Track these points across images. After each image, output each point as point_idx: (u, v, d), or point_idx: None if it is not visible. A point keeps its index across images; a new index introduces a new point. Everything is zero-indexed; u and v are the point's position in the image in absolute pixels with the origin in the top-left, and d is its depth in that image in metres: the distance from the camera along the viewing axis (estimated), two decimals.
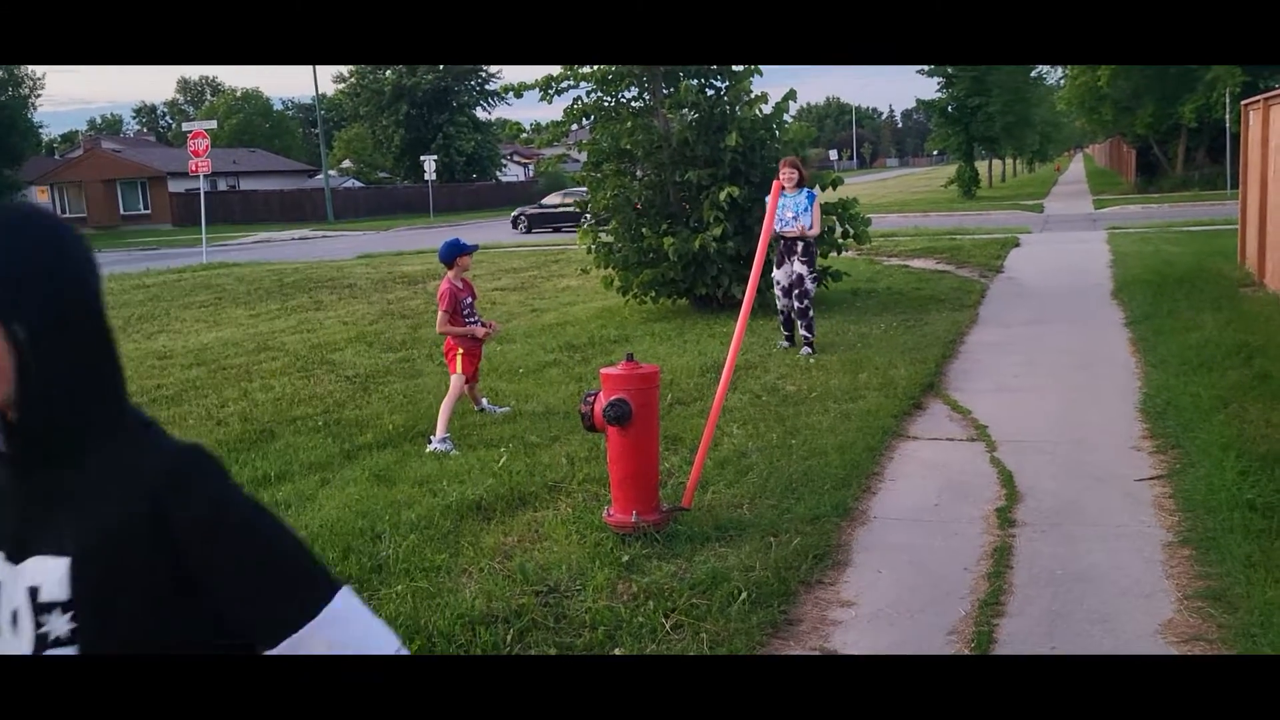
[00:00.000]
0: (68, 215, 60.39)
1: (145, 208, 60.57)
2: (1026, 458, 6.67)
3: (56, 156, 76.91)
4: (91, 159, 62.27)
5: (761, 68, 13.22)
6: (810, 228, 10.03)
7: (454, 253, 8.01)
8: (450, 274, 7.99)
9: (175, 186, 58.77)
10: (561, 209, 36.36)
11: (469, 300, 8.05)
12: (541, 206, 40.16)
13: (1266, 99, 12.70)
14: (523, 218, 40.24)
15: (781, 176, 9.80)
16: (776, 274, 10.31)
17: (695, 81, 12.82)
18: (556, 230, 36.74)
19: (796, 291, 10.15)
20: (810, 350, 9.93)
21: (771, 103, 13.09)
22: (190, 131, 29.77)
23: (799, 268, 10.12)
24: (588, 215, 14.11)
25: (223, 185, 63.01)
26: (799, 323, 10.17)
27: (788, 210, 9.92)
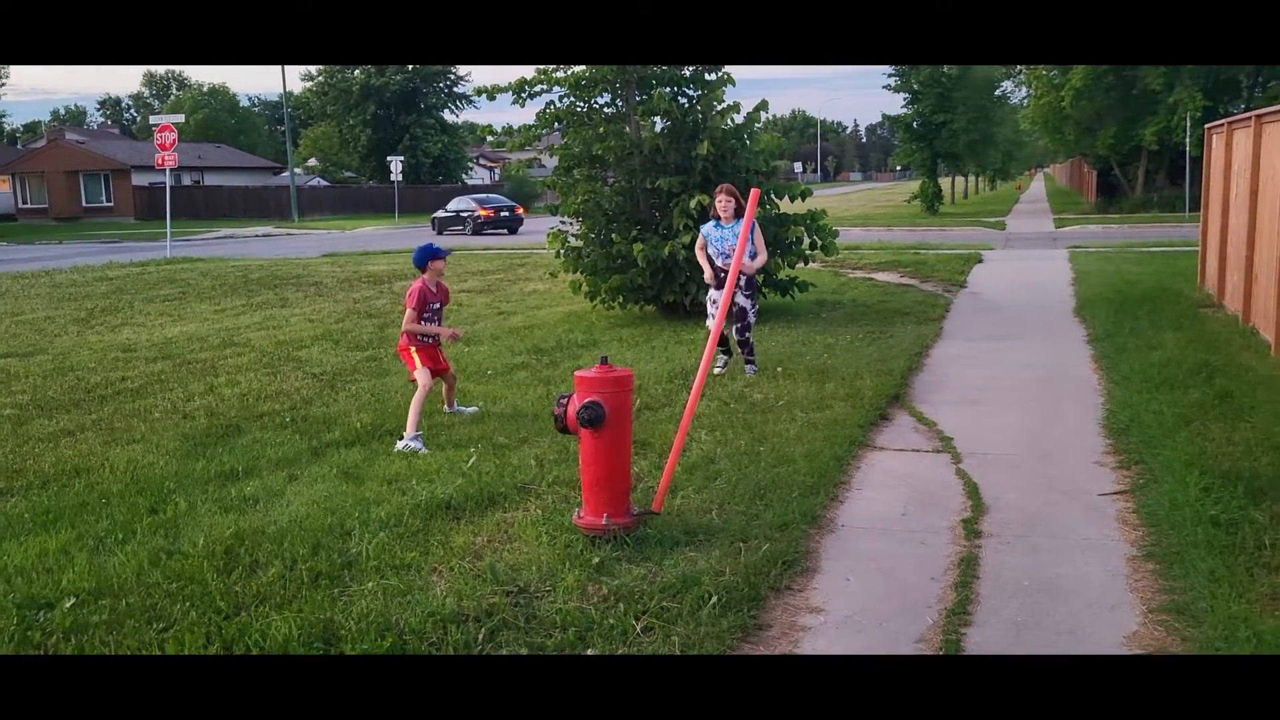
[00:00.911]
0: (29, 205, 59.75)
1: (108, 200, 59.90)
2: (992, 470, 6.75)
3: (19, 146, 75.87)
4: (55, 150, 61.48)
5: (734, 78, 13.29)
6: (755, 257, 9.50)
7: (426, 257, 8.07)
8: (425, 276, 8.02)
9: (139, 180, 58.21)
10: (464, 213, 44.34)
11: (437, 305, 8.09)
12: (447, 210, 46.11)
13: (1230, 123, 12.92)
14: (435, 220, 46.16)
15: (718, 205, 9.45)
16: (713, 293, 9.67)
17: (668, 89, 12.87)
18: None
19: (739, 325, 9.67)
20: (753, 368, 9.69)
21: (743, 112, 13.16)
22: (157, 125, 29.51)
23: (742, 300, 9.59)
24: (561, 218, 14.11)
25: (187, 180, 62.44)
26: (740, 350, 9.81)
27: (728, 243, 9.37)
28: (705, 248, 9.63)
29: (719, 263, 9.41)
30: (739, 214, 9.34)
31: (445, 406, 8.39)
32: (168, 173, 29.79)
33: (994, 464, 6.90)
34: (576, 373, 5.48)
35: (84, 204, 59.90)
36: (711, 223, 9.58)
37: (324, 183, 70.17)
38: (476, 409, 8.41)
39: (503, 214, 44.05)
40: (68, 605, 4.70)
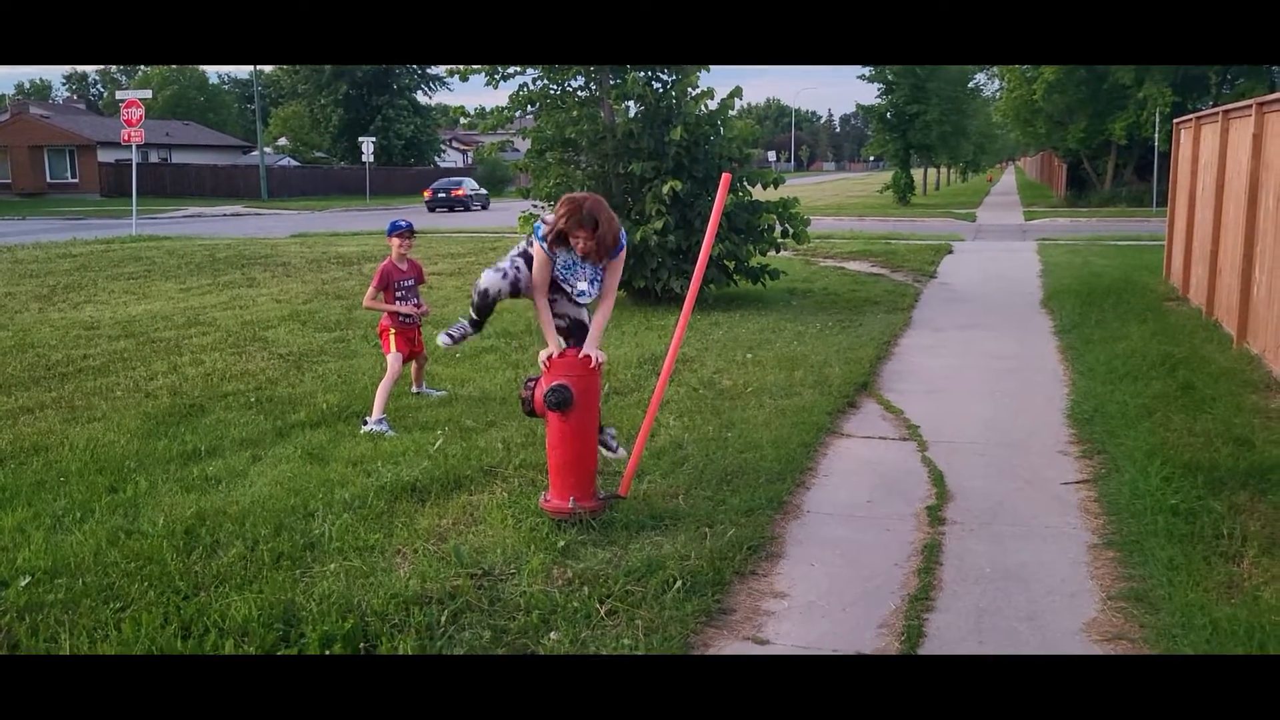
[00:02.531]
0: None
1: (73, 176, 59.21)
2: (957, 458, 6.78)
3: None
4: (18, 124, 60.62)
5: (708, 65, 13.26)
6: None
7: (389, 231, 8.02)
8: (393, 253, 7.98)
9: (105, 156, 57.54)
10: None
11: (409, 282, 8.03)
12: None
13: (1199, 118, 13.01)
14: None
15: (579, 243, 5.35)
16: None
17: (642, 74, 12.83)
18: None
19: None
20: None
21: (717, 99, 13.14)
22: (124, 100, 29.15)
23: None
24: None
25: (154, 157, 61.79)
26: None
27: (580, 279, 5.56)
28: (545, 283, 5.60)
29: (565, 297, 5.68)
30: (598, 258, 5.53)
31: (413, 387, 8.35)
32: (134, 149, 29.47)
33: (959, 452, 6.93)
34: None
35: (48, 180, 59.15)
36: (562, 250, 5.54)
37: (294, 163, 69.60)
38: (444, 393, 8.37)
39: (439, 195, 49.31)
40: (23, 584, 4.64)
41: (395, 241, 8.01)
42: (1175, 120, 15.27)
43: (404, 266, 8.05)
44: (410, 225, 8.09)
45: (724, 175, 5.58)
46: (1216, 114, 11.70)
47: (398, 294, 7.98)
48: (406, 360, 8.00)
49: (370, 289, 7.96)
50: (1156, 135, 34.48)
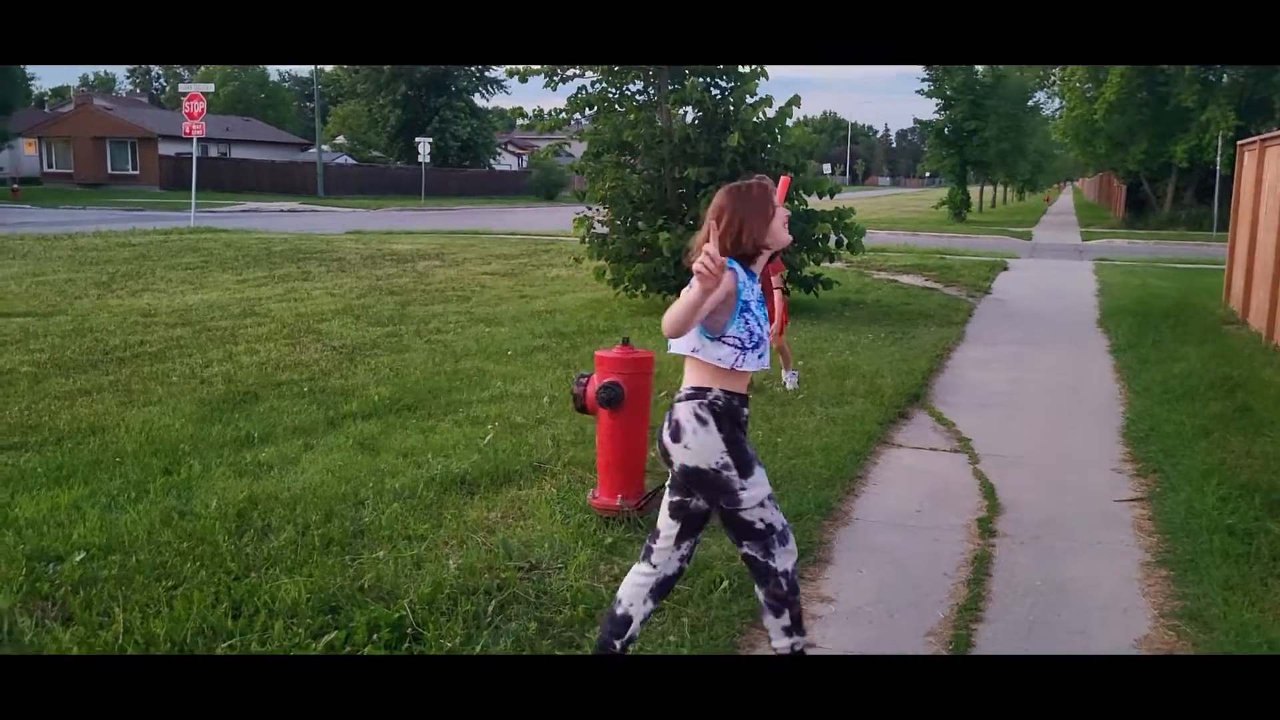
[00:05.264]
0: (55, 170, 60.04)
1: (134, 168, 60.12)
2: (1009, 472, 6.71)
3: (46, 110, 76.20)
4: (82, 115, 61.69)
5: (767, 70, 13.25)
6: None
7: None
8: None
9: (165, 149, 58.39)
10: None
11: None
12: None
13: (1263, 141, 12.82)
14: None
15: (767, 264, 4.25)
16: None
17: (701, 80, 12.84)
18: None
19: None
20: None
21: (775, 107, 13.11)
22: (187, 94, 29.58)
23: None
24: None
25: (214, 152, 62.67)
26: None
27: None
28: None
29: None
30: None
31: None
32: (195, 142, 29.86)
33: (1011, 466, 6.86)
34: (597, 353, 5.47)
35: (109, 170, 60.08)
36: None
37: (351, 161, 70.26)
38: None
39: None
40: (77, 559, 4.71)
41: None
42: (1239, 142, 15.07)
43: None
44: None
45: (784, 177, 5.56)
46: None
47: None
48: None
49: None
50: (1219, 159, 34.00)
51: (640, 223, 13.06)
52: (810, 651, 4.17)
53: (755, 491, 3.62)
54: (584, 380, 5.46)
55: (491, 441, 6.77)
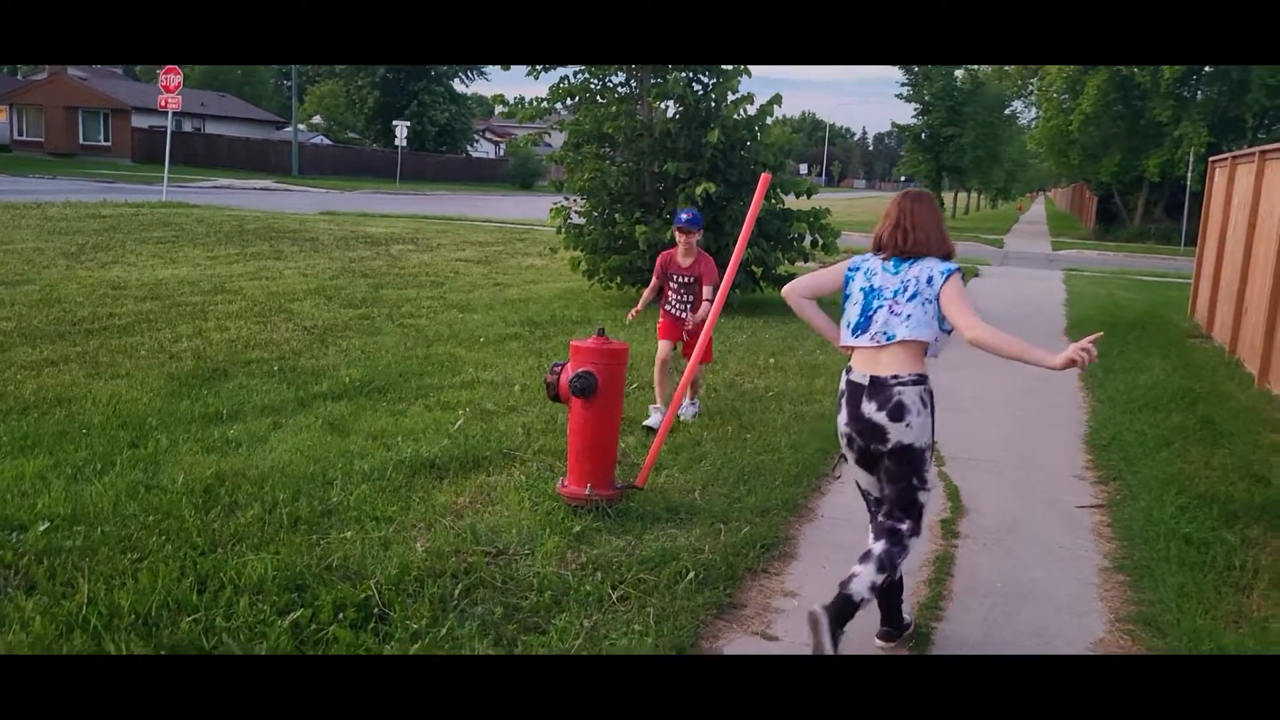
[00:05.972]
0: (25, 138, 59.32)
1: (106, 140, 59.46)
2: (973, 475, 6.80)
3: (19, 77, 75.22)
4: (55, 84, 60.89)
5: (750, 69, 13.29)
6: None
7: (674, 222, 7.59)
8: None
9: (139, 122, 57.77)
10: None
11: (685, 279, 7.50)
12: None
13: (1234, 158, 12.99)
14: None
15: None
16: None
17: (683, 74, 12.87)
18: None
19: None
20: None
21: (756, 104, 13.16)
22: (163, 67, 29.30)
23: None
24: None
25: (188, 126, 62.05)
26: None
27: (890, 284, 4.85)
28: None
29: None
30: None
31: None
32: (169, 115, 29.60)
33: (976, 469, 6.94)
34: (572, 342, 5.50)
35: (81, 141, 59.39)
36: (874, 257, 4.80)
37: (327, 142, 69.80)
38: (695, 409, 7.70)
39: None
40: (41, 529, 4.69)
41: (679, 235, 7.40)
42: (1211, 159, 15.26)
43: (681, 261, 7.43)
44: (690, 218, 7.41)
45: (764, 175, 5.61)
46: (1253, 155, 11.68)
47: (672, 287, 7.50)
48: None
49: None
50: (1190, 174, 34.38)
51: (618, 215, 13.08)
52: (773, 648, 4.22)
53: (933, 477, 4.15)
54: (558, 369, 5.48)
55: (462, 427, 6.78)
